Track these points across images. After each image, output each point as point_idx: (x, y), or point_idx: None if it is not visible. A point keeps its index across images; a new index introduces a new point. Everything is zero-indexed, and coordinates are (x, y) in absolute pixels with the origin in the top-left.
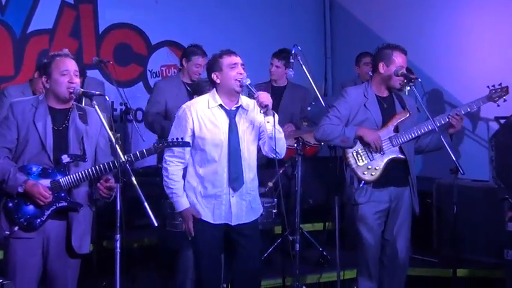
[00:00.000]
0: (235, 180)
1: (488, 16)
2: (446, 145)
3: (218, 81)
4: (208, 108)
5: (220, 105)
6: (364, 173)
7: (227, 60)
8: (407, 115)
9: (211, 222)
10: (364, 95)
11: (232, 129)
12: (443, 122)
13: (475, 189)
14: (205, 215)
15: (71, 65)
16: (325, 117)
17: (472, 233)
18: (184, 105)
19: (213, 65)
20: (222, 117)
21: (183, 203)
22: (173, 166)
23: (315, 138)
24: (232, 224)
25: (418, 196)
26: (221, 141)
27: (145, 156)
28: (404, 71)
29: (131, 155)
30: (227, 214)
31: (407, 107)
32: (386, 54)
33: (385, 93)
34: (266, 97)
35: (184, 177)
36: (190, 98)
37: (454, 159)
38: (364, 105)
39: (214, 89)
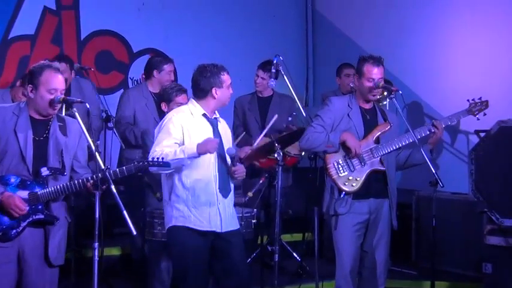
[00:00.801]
0: (223, 187)
1: (468, 29)
2: (426, 157)
3: (216, 96)
4: (193, 117)
5: (204, 114)
6: (345, 184)
7: (227, 78)
8: (388, 127)
9: (206, 229)
10: (349, 105)
11: (216, 137)
12: (423, 135)
13: (454, 202)
14: (199, 224)
15: (60, 84)
16: (309, 126)
17: (450, 245)
18: (169, 115)
19: (213, 79)
20: (207, 126)
21: (191, 145)
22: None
23: (300, 147)
24: (222, 230)
25: (397, 208)
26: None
27: (124, 175)
28: (382, 82)
29: (111, 171)
30: (217, 221)
31: (389, 119)
32: (359, 66)
33: (368, 106)
34: (241, 174)
35: (169, 193)
36: (158, 108)
37: (434, 171)
38: (348, 114)
39: (192, 99)
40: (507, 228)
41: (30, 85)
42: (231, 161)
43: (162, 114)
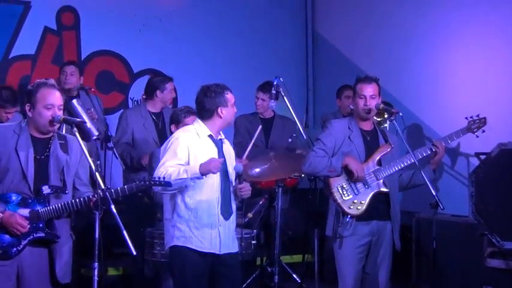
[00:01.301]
0: (225, 209)
1: (469, 51)
2: (425, 179)
3: (222, 115)
4: (199, 137)
5: (209, 135)
6: (350, 207)
7: (231, 97)
8: (390, 149)
9: (206, 251)
10: (349, 128)
11: (221, 157)
12: (424, 155)
13: (454, 224)
14: (201, 246)
15: (56, 99)
16: (310, 151)
17: (451, 268)
18: (175, 134)
19: (218, 99)
20: (212, 147)
21: (194, 166)
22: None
23: (303, 171)
24: (221, 252)
25: (399, 230)
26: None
27: (125, 194)
28: (381, 105)
29: (112, 190)
30: (216, 243)
31: (390, 140)
32: (354, 87)
33: (368, 127)
34: (247, 192)
35: (172, 213)
36: (157, 128)
37: (434, 194)
38: (349, 137)
39: (198, 120)
40: (507, 251)
41: (28, 104)
42: (238, 178)
43: (161, 134)
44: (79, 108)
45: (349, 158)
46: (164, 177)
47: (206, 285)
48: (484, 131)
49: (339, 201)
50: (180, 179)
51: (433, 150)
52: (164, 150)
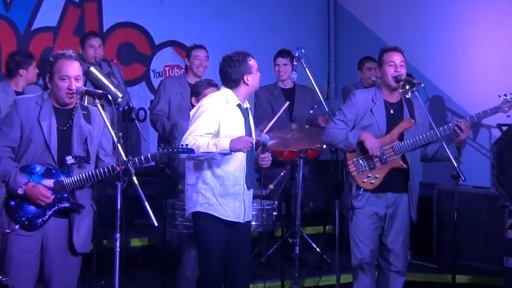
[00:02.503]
0: (250, 179)
1: (492, 20)
2: (449, 154)
3: (249, 82)
4: (228, 106)
5: (238, 104)
6: (364, 181)
7: (254, 63)
8: (413, 124)
9: (230, 220)
10: (373, 100)
11: (247, 127)
12: (448, 132)
13: (475, 195)
14: (225, 214)
15: (73, 70)
16: (331, 121)
17: (472, 239)
18: (206, 102)
19: (243, 67)
20: (239, 116)
21: (224, 140)
22: (200, 139)
23: (323, 141)
24: (244, 221)
25: (418, 202)
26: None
27: (149, 162)
28: (404, 75)
29: (135, 159)
30: (241, 212)
31: (416, 115)
32: (379, 57)
33: (394, 99)
34: (268, 162)
35: (197, 179)
36: None
37: (456, 165)
38: (371, 110)
39: (228, 89)
40: None
41: (48, 75)
42: (263, 148)
43: None
44: (98, 74)
45: (365, 134)
46: (187, 145)
47: (226, 252)
48: None
49: (354, 174)
50: (208, 152)
51: (456, 130)
52: (193, 118)
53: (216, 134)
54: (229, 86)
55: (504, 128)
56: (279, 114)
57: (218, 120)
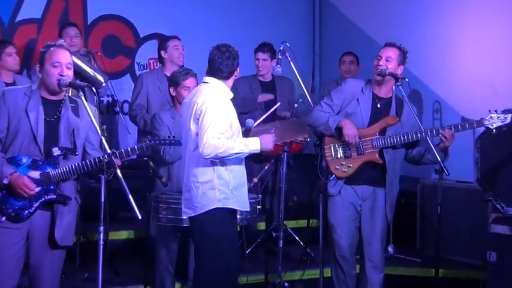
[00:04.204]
0: (246, 169)
1: (476, 15)
2: (431, 145)
3: (236, 75)
4: (228, 100)
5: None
6: (336, 168)
7: None
8: (396, 121)
9: (246, 209)
10: (362, 90)
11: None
12: (431, 136)
13: (459, 190)
14: (241, 205)
15: (64, 57)
16: (318, 103)
17: (455, 233)
18: (213, 99)
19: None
20: (233, 108)
21: (253, 140)
22: (223, 138)
23: (307, 123)
24: (249, 209)
25: (402, 196)
26: (240, 131)
27: (136, 153)
28: (388, 70)
29: (122, 150)
30: (247, 201)
31: (403, 114)
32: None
33: (384, 94)
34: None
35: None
36: None
37: (439, 160)
38: (357, 99)
39: (219, 80)
40: None
41: (38, 65)
42: (247, 133)
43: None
44: (78, 61)
45: (345, 121)
46: (219, 153)
47: None
48: (505, 129)
49: (329, 159)
50: (238, 153)
51: (441, 137)
52: (208, 118)
53: (228, 130)
54: (221, 77)
55: None
56: (269, 113)
57: (229, 118)
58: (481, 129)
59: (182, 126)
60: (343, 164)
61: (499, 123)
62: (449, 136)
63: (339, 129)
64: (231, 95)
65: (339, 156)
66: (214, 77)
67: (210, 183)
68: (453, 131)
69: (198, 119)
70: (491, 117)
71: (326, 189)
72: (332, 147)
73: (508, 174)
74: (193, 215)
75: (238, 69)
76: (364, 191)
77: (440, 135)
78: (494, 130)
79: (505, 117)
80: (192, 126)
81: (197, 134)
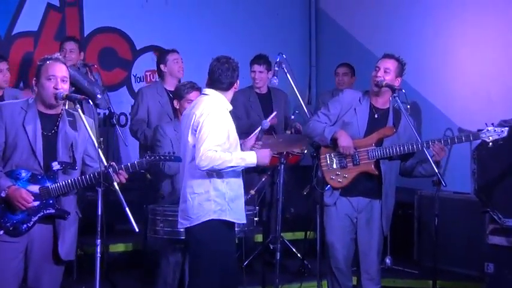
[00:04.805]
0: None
1: (473, 27)
2: (429, 157)
3: (236, 87)
4: (227, 112)
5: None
6: (331, 178)
7: None
8: (393, 132)
9: (241, 222)
10: (359, 100)
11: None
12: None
13: (456, 201)
14: (237, 217)
15: (59, 71)
16: (315, 113)
17: (452, 245)
18: (212, 108)
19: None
20: (232, 121)
21: (250, 154)
22: (219, 151)
23: (303, 132)
24: (246, 222)
25: (399, 208)
26: (238, 143)
27: (136, 169)
28: (385, 81)
29: (122, 166)
30: (243, 213)
31: (400, 126)
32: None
33: (381, 104)
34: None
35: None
36: (173, 105)
37: (437, 171)
38: (355, 109)
39: (218, 92)
40: (509, 228)
41: (34, 79)
42: (260, 135)
43: (176, 111)
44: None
45: (341, 132)
46: (214, 165)
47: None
48: (501, 142)
49: (324, 168)
50: (234, 166)
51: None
52: (205, 129)
53: (225, 142)
54: (221, 88)
55: None
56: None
57: (227, 130)
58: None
59: (181, 137)
60: (338, 174)
61: (496, 136)
62: (438, 150)
63: (335, 140)
64: (230, 107)
65: (334, 167)
66: (213, 88)
67: (206, 195)
68: (443, 145)
69: (196, 131)
70: (487, 130)
71: (322, 199)
72: (328, 157)
73: (505, 185)
74: (188, 225)
75: (238, 81)
76: (359, 202)
77: (431, 145)
78: (490, 143)
79: (502, 131)
80: (190, 137)
81: (194, 146)
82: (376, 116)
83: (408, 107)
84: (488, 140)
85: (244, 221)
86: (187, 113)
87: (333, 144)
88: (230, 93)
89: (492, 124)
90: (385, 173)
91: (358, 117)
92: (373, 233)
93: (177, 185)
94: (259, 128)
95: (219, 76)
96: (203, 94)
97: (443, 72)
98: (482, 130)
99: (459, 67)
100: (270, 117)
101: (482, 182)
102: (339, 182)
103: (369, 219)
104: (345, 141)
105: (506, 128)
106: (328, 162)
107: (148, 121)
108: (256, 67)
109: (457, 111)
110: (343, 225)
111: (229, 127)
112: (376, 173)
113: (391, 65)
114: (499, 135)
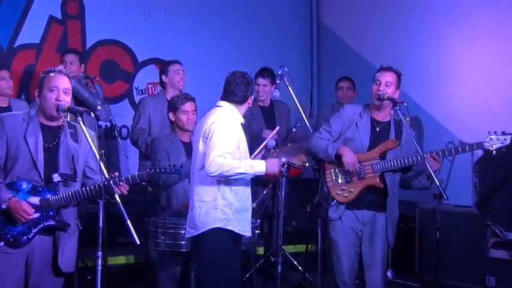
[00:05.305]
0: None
1: (474, 42)
2: (430, 169)
3: (250, 103)
4: (238, 123)
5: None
6: (337, 193)
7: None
8: (397, 144)
9: (246, 234)
10: (360, 115)
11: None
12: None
13: (458, 214)
14: (242, 229)
15: (62, 83)
16: (317, 130)
17: (454, 258)
18: (224, 118)
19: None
20: (243, 133)
21: (259, 162)
22: (229, 157)
23: (306, 149)
24: (250, 235)
25: (400, 221)
26: (248, 155)
27: (136, 182)
28: (386, 94)
29: (123, 178)
30: (249, 226)
31: (402, 138)
32: (374, 76)
33: (382, 117)
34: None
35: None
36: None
37: (438, 184)
38: (356, 124)
39: (232, 105)
40: (511, 242)
41: (37, 90)
42: (267, 153)
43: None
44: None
45: (344, 148)
46: (223, 171)
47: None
48: (504, 150)
49: (330, 184)
50: (243, 173)
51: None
52: (216, 137)
53: (235, 151)
54: (234, 101)
55: None
56: (270, 136)
57: (237, 139)
58: (480, 153)
59: (192, 147)
60: (344, 189)
61: (499, 145)
62: (433, 163)
63: (339, 157)
64: (242, 120)
65: (339, 182)
66: (227, 101)
67: (214, 203)
68: (437, 158)
69: (207, 138)
70: (490, 138)
71: (326, 214)
72: (333, 173)
73: (507, 199)
74: (195, 233)
75: (252, 97)
76: (364, 215)
77: (426, 156)
78: (494, 152)
79: (505, 139)
80: (201, 145)
81: (204, 154)
82: (377, 129)
83: (408, 119)
84: (491, 149)
85: (249, 234)
86: (200, 124)
87: (338, 160)
88: (243, 108)
89: (495, 133)
90: (390, 185)
91: (361, 132)
92: (377, 245)
93: (173, 196)
94: (263, 144)
95: (234, 88)
96: (217, 106)
97: (445, 86)
98: (486, 139)
99: (461, 81)
100: (272, 133)
101: (483, 195)
102: (345, 196)
103: (373, 232)
104: (348, 157)
105: (509, 136)
106: (334, 177)
107: (150, 131)
108: (261, 80)
109: (459, 124)
110: (348, 238)
111: (240, 138)
112: (382, 185)
113: (391, 78)
114: (502, 143)
